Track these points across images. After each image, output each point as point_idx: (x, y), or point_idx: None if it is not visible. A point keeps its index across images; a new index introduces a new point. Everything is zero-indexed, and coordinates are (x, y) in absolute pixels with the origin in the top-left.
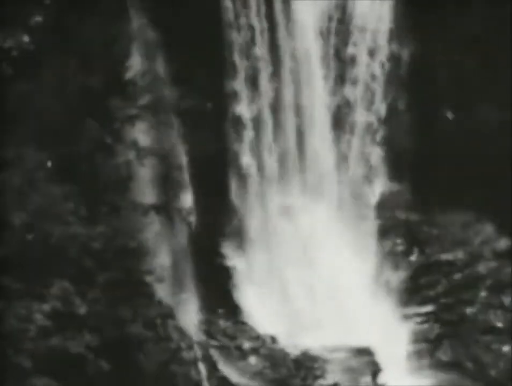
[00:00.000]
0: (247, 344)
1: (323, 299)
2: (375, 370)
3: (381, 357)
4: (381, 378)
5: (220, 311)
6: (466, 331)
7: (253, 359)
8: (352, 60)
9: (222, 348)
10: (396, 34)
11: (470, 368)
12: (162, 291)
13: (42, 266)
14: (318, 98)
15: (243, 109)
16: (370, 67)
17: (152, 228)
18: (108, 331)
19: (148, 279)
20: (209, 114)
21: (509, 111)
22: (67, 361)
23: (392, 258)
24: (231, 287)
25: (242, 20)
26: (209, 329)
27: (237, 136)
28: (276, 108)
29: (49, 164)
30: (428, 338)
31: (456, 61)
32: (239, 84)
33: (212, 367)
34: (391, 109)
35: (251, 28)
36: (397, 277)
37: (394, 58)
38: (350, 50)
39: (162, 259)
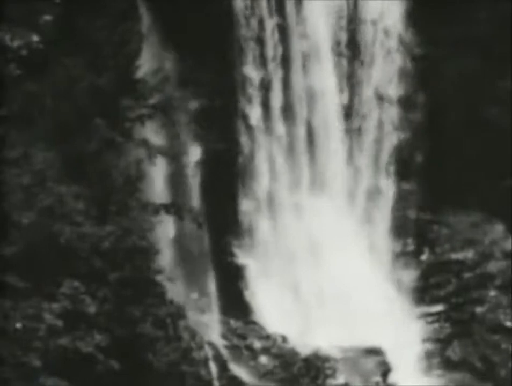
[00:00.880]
0: (257, 344)
1: (334, 299)
2: (385, 370)
3: (391, 357)
4: (391, 378)
5: (231, 310)
6: (476, 330)
7: (263, 359)
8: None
9: (233, 348)
10: (404, 32)
11: (480, 367)
12: (172, 291)
13: (52, 266)
14: (329, 96)
15: (253, 109)
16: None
17: (162, 227)
18: (118, 331)
19: (159, 278)
20: (219, 113)
21: None
22: (77, 360)
23: (403, 257)
24: (242, 286)
25: (253, 20)
26: (219, 329)
27: (247, 135)
28: (286, 107)
29: None
30: (438, 337)
31: (465, 62)
32: (249, 84)
33: (223, 367)
34: (403, 109)
35: (262, 27)
36: (407, 276)
37: (404, 58)
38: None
39: (172, 259)
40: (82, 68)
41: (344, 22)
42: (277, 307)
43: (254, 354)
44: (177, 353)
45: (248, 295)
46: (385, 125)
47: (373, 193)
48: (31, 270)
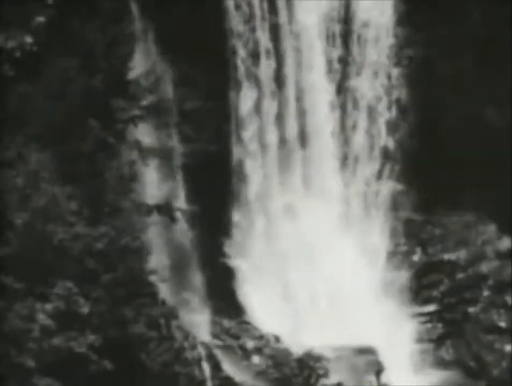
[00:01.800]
0: (250, 344)
1: (327, 299)
2: (378, 369)
3: (384, 357)
4: (384, 377)
5: (224, 310)
6: (469, 330)
7: (256, 359)
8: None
9: (226, 348)
10: (399, 34)
11: (473, 367)
12: (165, 291)
13: (45, 266)
14: (322, 98)
15: (245, 110)
16: (374, 67)
17: (155, 228)
18: (111, 331)
19: (152, 278)
20: (211, 115)
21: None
22: (71, 360)
23: (395, 257)
24: (235, 286)
25: (245, 22)
26: (212, 329)
27: (239, 137)
28: (279, 108)
29: None
30: (431, 337)
31: (459, 62)
32: (241, 85)
33: (216, 367)
34: (396, 110)
35: (254, 29)
36: (400, 277)
37: (398, 59)
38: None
39: (165, 259)
40: (75, 69)
41: (336, 22)
42: (270, 308)
43: (247, 354)
44: (170, 353)
45: (241, 295)
46: (378, 125)
47: (366, 194)
48: (25, 271)
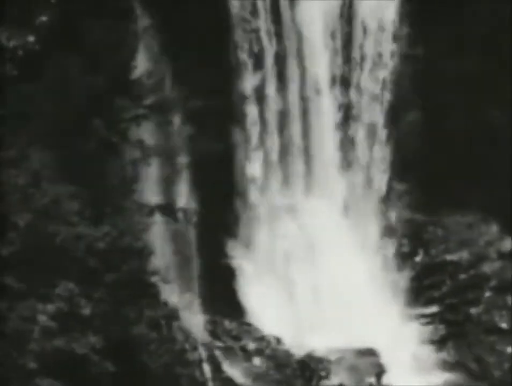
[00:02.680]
0: (251, 345)
1: (328, 300)
2: (379, 371)
3: (386, 358)
4: (385, 379)
5: (225, 312)
6: (471, 331)
7: (257, 360)
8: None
9: (227, 349)
10: (401, 34)
11: (475, 369)
12: (167, 292)
13: (47, 267)
14: (324, 97)
15: (248, 109)
16: (375, 69)
17: (158, 228)
18: (112, 332)
19: (154, 279)
20: (214, 114)
21: None
22: (72, 362)
23: (397, 258)
24: (236, 287)
25: (249, 20)
26: (214, 330)
27: (242, 136)
28: (282, 107)
29: None
30: (433, 339)
31: (462, 62)
32: (245, 84)
33: (217, 368)
34: (397, 109)
35: (257, 28)
36: (402, 278)
37: (400, 58)
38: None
39: (167, 260)
40: (78, 68)
41: (339, 21)
42: (271, 309)
43: (248, 355)
44: (172, 354)
45: (242, 296)
46: (380, 124)
47: (368, 194)
48: (27, 271)
